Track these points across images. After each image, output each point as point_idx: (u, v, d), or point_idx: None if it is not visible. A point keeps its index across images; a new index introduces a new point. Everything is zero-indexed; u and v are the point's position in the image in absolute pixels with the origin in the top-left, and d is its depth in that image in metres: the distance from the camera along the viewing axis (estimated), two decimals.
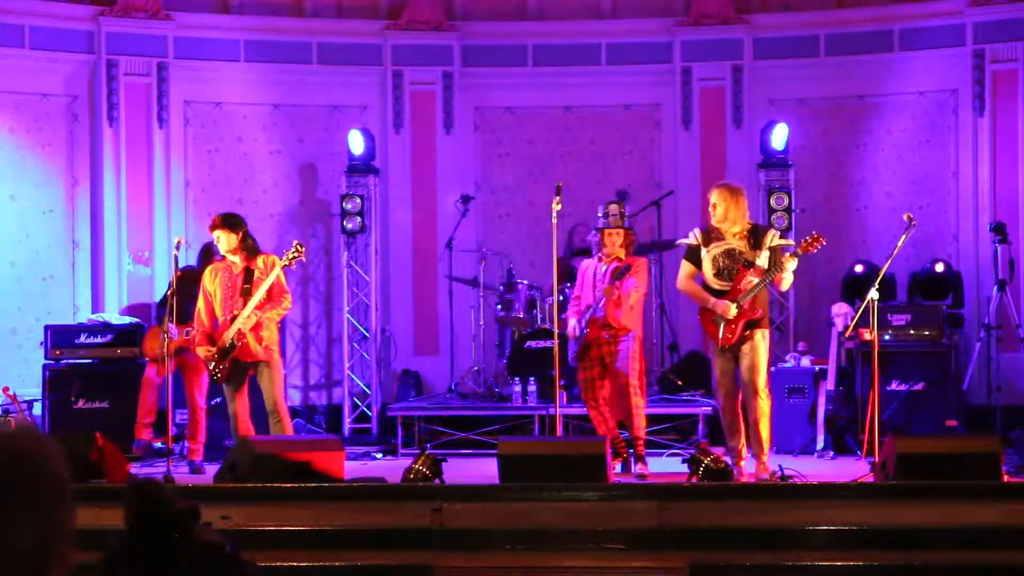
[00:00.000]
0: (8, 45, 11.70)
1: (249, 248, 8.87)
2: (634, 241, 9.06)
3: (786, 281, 8.44)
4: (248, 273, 8.82)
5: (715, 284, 8.40)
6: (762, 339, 8.38)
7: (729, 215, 8.38)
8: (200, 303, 8.90)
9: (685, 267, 8.60)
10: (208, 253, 9.89)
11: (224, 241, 8.83)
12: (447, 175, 12.56)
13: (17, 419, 8.89)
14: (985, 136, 11.72)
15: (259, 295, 8.70)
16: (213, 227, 8.92)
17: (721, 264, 8.39)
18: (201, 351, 8.84)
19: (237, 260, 8.85)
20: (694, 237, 8.57)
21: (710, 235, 8.48)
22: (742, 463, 8.41)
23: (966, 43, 11.78)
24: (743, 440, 8.41)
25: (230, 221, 8.92)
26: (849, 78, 12.17)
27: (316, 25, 12.55)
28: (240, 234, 8.84)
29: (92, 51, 11.98)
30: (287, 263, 8.80)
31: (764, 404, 8.34)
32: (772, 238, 8.48)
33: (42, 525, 1.75)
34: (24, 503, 1.74)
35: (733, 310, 8.25)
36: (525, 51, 12.67)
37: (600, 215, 8.98)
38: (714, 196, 8.47)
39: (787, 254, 8.29)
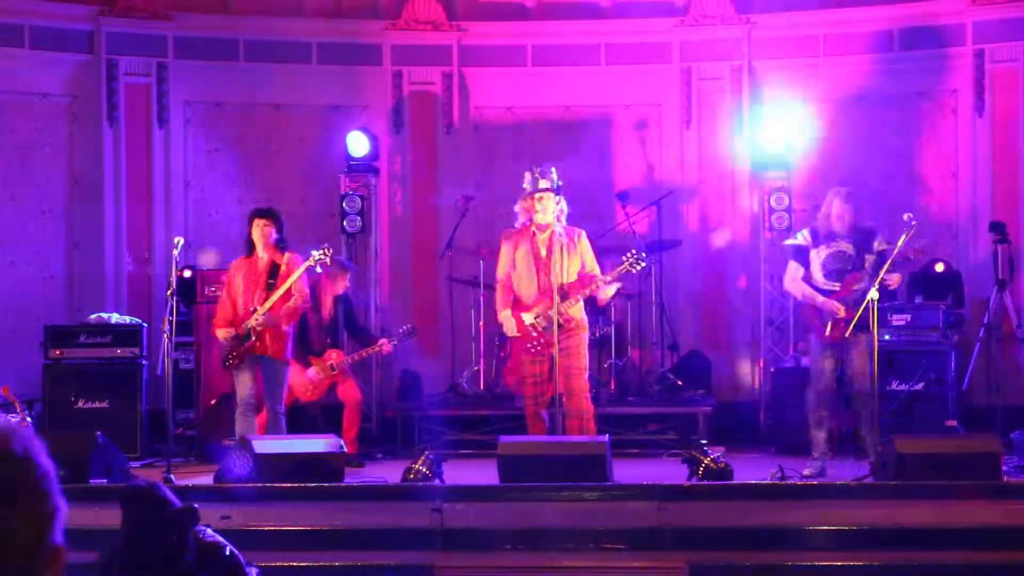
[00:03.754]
0: (8, 45, 11.69)
1: (279, 244, 9.03)
2: (563, 210, 8.63)
3: (895, 281, 8.62)
4: (273, 268, 8.96)
5: (824, 284, 8.58)
6: (866, 343, 8.55)
7: (848, 222, 8.58)
8: (224, 295, 9.11)
9: (793, 267, 8.81)
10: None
11: (270, 232, 8.94)
12: (447, 175, 12.56)
13: (16, 419, 8.89)
14: (985, 136, 11.72)
15: (280, 291, 8.81)
16: (259, 216, 9.03)
17: (830, 265, 8.58)
18: (220, 332, 9.00)
19: (265, 256, 8.96)
20: (803, 238, 8.75)
21: (819, 236, 8.63)
22: (818, 458, 8.54)
23: (966, 43, 11.77)
24: (826, 436, 8.50)
25: (272, 212, 9.11)
26: (848, 78, 12.16)
27: (316, 25, 12.54)
28: (275, 227, 9.00)
29: (92, 51, 11.98)
30: (312, 263, 8.92)
31: (872, 409, 8.50)
32: (880, 243, 8.66)
33: (34, 523, 1.76)
34: (15, 503, 1.75)
35: (842, 311, 8.45)
36: (525, 51, 12.66)
37: (526, 183, 8.58)
38: (840, 207, 8.62)
39: (895, 275, 8.48)
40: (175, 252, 8.81)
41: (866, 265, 8.56)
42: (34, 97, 11.85)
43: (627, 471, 8.58)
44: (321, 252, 8.92)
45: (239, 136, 12.43)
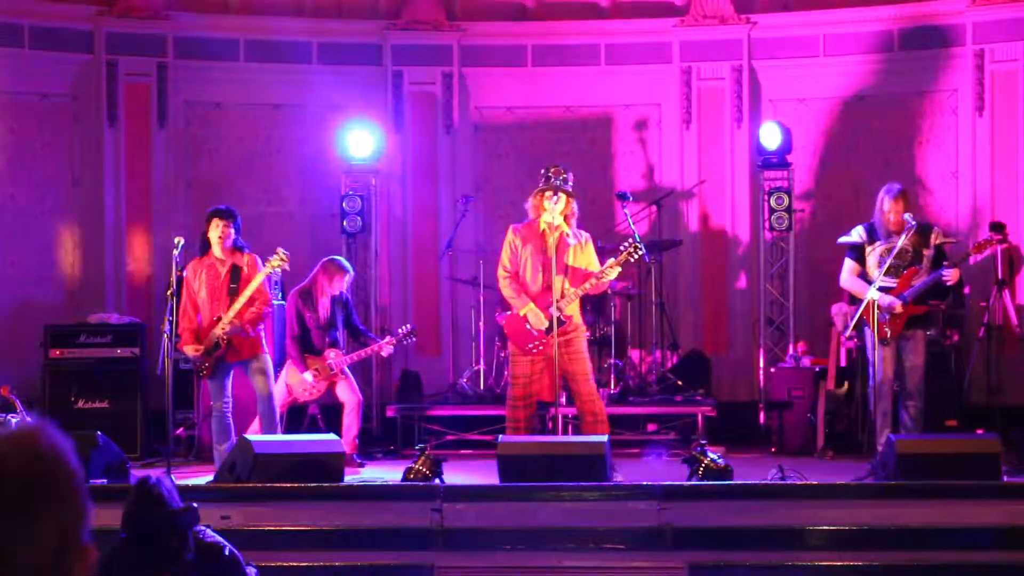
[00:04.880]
0: (8, 45, 11.69)
1: (237, 245, 8.91)
2: (575, 213, 8.72)
3: (954, 276, 8.59)
4: (234, 272, 8.84)
5: (881, 281, 8.54)
6: (924, 340, 8.59)
7: (899, 219, 8.56)
8: (185, 300, 8.89)
9: (849, 264, 8.79)
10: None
11: (228, 233, 8.83)
12: (447, 175, 12.56)
13: (18, 420, 8.89)
14: (985, 136, 11.72)
15: (243, 299, 8.72)
16: (217, 216, 8.89)
17: (888, 261, 8.53)
18: (188, 349, 8.85)
19: (225, 259, 8.85)
20: (858, 235, 8.74)
21: (874, 232, 8.62)
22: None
23: (966, 43, 11.77)
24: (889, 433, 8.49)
25: (231, 213, 8.96)
26: (849, 78, 12.16)
27: (316, 25, 12.54)
28: (234, 228, 8.87)
29: (92, 51, 11.98)
30: (270, 271, 8.87)
31: (920, 404, 8.53)
32: (937, 236, 8.66)
33: (63, 522, 1.77)
34: (45, 502, 1.75)
35: (899, 307, 8.44)
36: (525, 51, 12.66)
37: (542, 182, 8.68)
38: (890, 204, 8.59)
39: (953, 270, 8.47)
40: (175, 252, 8.80)
41: (923, 261, 8.55)
42: (34, 97, 11.85)
43: (627, 471, 8.57)
44: (278, 259, 8.86)
45: (239, 136, 12.43)
